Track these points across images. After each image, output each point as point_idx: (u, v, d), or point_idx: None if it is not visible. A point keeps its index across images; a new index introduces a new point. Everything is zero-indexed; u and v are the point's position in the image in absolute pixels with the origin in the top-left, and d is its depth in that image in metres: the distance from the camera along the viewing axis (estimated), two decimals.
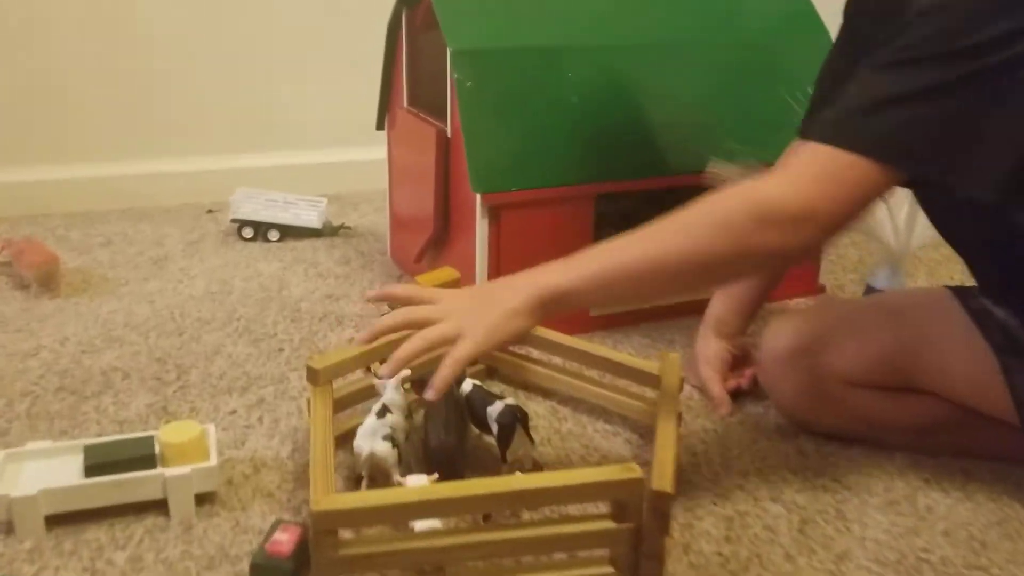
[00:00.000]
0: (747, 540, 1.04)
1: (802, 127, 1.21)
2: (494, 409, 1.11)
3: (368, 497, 0.89)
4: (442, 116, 1.47)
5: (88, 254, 1.79)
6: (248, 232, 1.88)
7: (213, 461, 1.06)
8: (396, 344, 0.99)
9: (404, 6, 1.57)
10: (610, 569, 0.96)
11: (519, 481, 0.91)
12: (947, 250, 1.21)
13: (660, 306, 1.55)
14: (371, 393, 1.18)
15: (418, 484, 0.99)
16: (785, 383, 1.20)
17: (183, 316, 1.53)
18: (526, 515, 1.04)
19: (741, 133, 1.50)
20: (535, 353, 1.32)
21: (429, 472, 1.06)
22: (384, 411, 1.08)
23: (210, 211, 2.05)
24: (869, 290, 1.51)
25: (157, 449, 1.06)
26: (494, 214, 1.39)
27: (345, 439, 1.17)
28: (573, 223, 1.44)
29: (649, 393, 1.22)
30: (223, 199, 1.98)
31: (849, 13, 1.16)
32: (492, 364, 1.34)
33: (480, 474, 1.11)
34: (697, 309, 1.57)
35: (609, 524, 0.94)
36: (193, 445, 1.06)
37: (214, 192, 2.07)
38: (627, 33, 1.52)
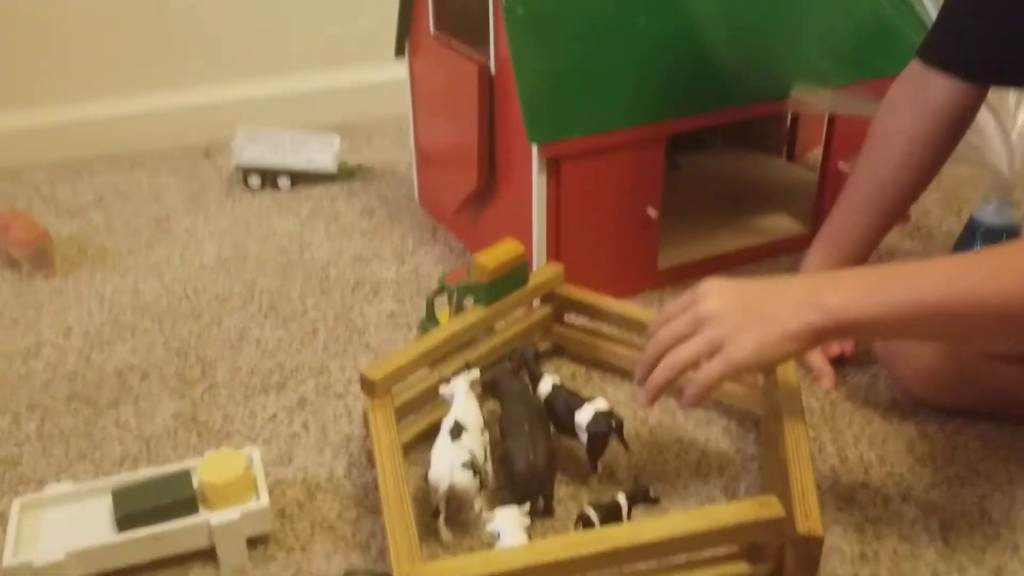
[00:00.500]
0: (885, 557, 0.90)
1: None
2: (583, 416, 0.96)
3: (465, 566, 0.74)
4: (481, 46, 1.26)
5: (80, 216, 1.60)
6: (255, 181, 1.69)
7: (264, 501, 0.90)
8: (451, 339, 0.91)
9: None
10: None
11: (643, 531, 0.77)
12: None
13: (735, 250, 1.39)
14: (434, 394, 1.02)
15: (509, 520, 0.85)
16: (911, 360, 1.05)
17: (197, 293, 1.36)
18: None
19: (829, 50, 1.30)
20: (606, 328, 1.16)
21: (515, 497, 0.92)
22: (458, 430, 0.92)
23: (207, 154, 1.85)
24: (974, 226, 1.34)
25: (195, 483, 0.91)
26: (553, 167, 1.20)
27: (409, 449, 1.02)
28: (643, 172, 1.25)
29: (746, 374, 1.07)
30: (219, 136, 1.78)
31: None
32: (559, 341, 1.18)
33: (565, 481, 0.97)
34: (784, 250, 1.42)
35: (743, 567, 0.80)
36: (238, 483, 0.90)
37: (210, 128, 1.87)
38: None
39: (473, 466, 0.89)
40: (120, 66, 1.86)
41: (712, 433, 1.07)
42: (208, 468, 0.91)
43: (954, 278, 0.79)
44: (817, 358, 1.09)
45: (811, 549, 0.77)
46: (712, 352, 0.83)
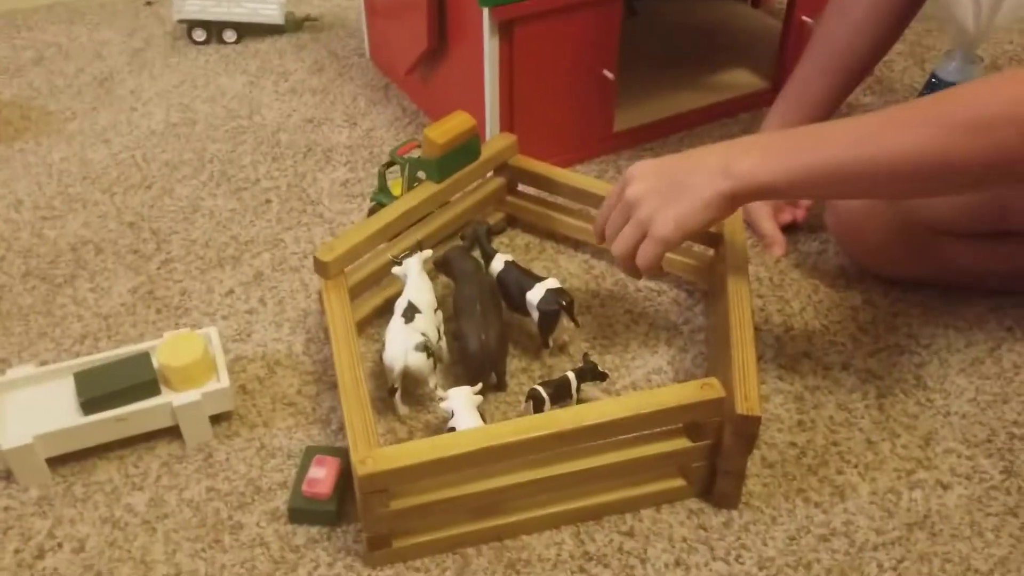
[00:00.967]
0: (822, 425, 0.95)
1: None
2: (534, 294, 0.98)
3: (418, 450, 0.77)
4: None
5: (20, 76, 1.54)
6: (200, 34, 1.63)
7: (224, 382, 0.93)
8: (404, 217, 0.97)
9: None
10: (681, 482, 0.87)
11: (588, 414, 0.80)
12: None
13: (693, 109, 1.38)
14: (388, 271, 1.03)
15: (462, 399, 0.88)
16: (862, 233, 1.06)
17: (147, 160, 1.34)
18: None
19: None
20: (561, 200, 1.16)
21: (468, 375, 0.95)
22: (412, 312, 0.94)
23: (149, 2, 1.77)
24: (934, 82, 1.33)
25: (156, 365, 0.93)
26: (505, 30, 1.17)
27: (365, 324, 1.04)
28: (599, 32, 1.22)
29: (695, 245, 1.09)
30: None
31: None
32: (513, 212, 1.19)
33: (517, 356, 1.00)
34: (743, 107, 1.41)
35: (684, 443, 0.84)
36: (198, 364, 0.92)
37: None
38: None
39: (426, 348, 0.91)
40: None
41: (661, 304, 1.09)
42: (167, 351, 0.92)
43: (858, 140, 0.81)
44: (768, 225, 1.10)
45: (749, 427, 0.81)
46: (644, 233, 0.87)
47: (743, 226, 1.02)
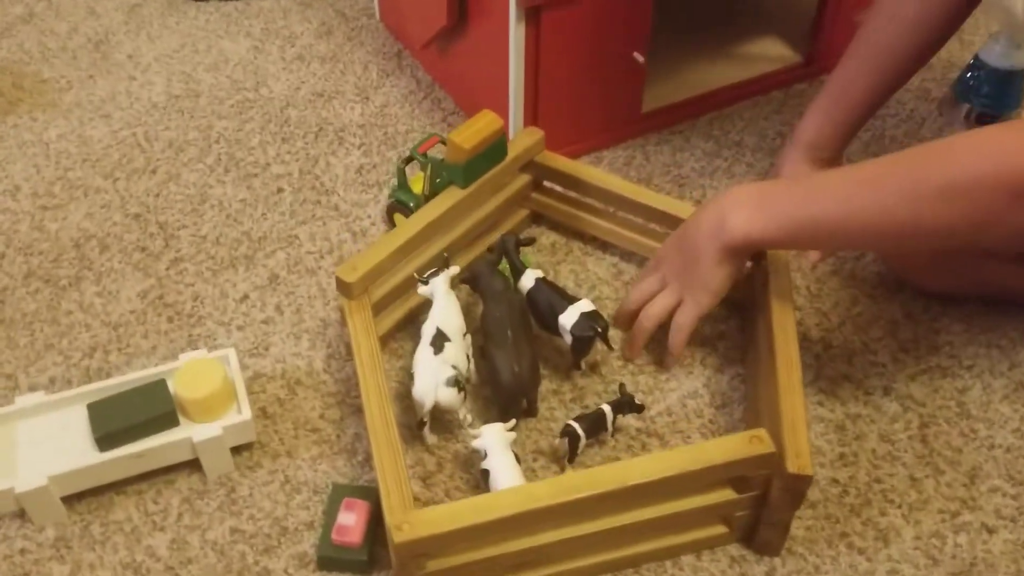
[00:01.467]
0: (864, 459, 0.92)
1: None
2: (567, 318, 0.93)
3: (458, 514, 0.74)
4: None
5: (10, 36, 1.45)
6: None
7: (246, 414, 0.89)
8: (428, 229, 0.97)
9: None
10: (723, 529, 0.85)
11: (632, 472, 0.76)
12: None
13: (724, 87, 1.31)
14: (411, 283, 0.98)
15: (495, 438, 0.85)
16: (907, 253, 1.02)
17: (149, 140, 1.27)
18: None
19: None
20: (590, 200, 1.10)
21: (498, 405, 0.91)
22: (441, 341, 0.89)
23: None
24: (976, 64, 1.26)
25: (172, 390, 0.89)
26: (532, 16, 1.09)
27: (387, 339, 1.00)
28: (631, 13, 1.14)
29: None
30: None
31: None
32: (538, 210, 1.13)
33: (547, 376, 0.96)
34: (776, 83, 1.34)
35: (729, 495, 0.81)
36: (218, 395, 0.88)
37: None
38: None
39: (457, 383, 0.87)
40: None
41: None
42: (185, 381, 0.88)
43: (846, 197, 0.83)
44: None
45: (800, 486, 0.78)
46: (677, 301, 0.94)
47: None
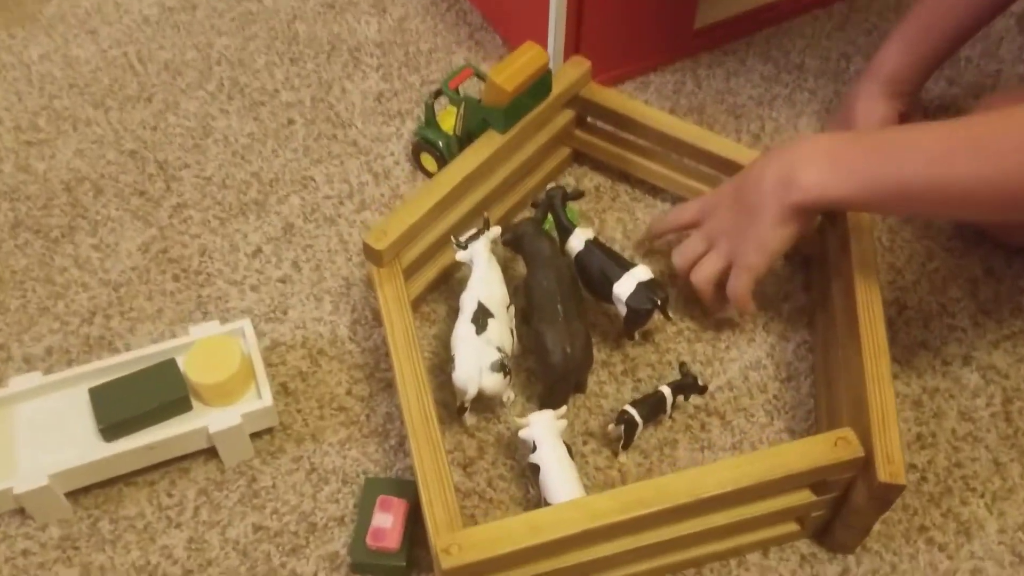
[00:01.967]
0: (944, 440, 0.84)
1: None
2: (623, 288, 0.84)
3: (512, 533, 0.66)
4: None
5: None
6: None
7: (267, 399, 0.80)
8: (464, 183, 0.87)
9: None
10: (794, 526, 0.77)
11: (705, 483, 0.68)
12: None
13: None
14: (444, 244, 0.88)
15: (545, 427, 0.76)
16: None
17: (143, 61, 1.13)
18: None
19: None
20: (639, 140, 0.99)
21: (544, 384, 0.83)
22: (483, 317, 0.80)
23: None
24: None
25: (182, 368, 0.80)
26: None
27: (418, 302, 0.90)
28: None
29: None
30: None
31: None
32: (582, 148, 1.02)
33: (597, 345, 0.87)
34: None
35: (807, 496, 0.73)
36: (235, 378, 0.79)
37: None
38: None
39: (503, 367, 0.78)
40: None
41: None
42: (198, 364, 0.79)
43: (936, 160, 0.73)
44: None
45: (891, 495, 0.70)
46: (729, 262, 0.84)
47: None
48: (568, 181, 1.02)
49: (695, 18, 1.12)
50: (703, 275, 0.85)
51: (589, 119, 1.01)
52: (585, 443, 0.83)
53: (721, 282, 0.85)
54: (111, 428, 0.77)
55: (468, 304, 0.81)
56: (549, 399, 0.83)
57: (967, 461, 0.83)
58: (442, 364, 0.87)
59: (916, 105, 1.02)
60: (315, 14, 1.19)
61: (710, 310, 0.89)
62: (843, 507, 0.74)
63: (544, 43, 1.04)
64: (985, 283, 0.95)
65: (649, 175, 0.99)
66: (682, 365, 0.83)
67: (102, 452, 0.77)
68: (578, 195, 0.90)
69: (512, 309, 0.84)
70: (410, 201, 0.85)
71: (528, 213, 0.96)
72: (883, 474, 0.69)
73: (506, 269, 0.89)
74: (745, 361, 0.89)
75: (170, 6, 1.20)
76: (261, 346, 0.87)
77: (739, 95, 1.10)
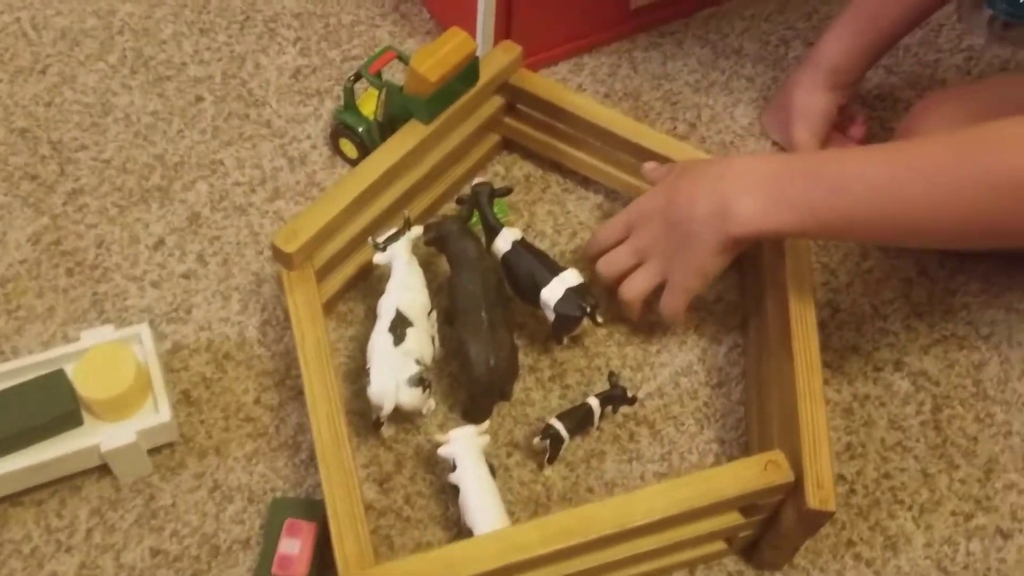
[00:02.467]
0: (873, 450, 0.83)
1: None
2: (551, 293, 0.79)
3: (427, 569, 0.62)
4: None
5: None
6: None
7: (165, 414, 0.74)
8: (384, 178, 0.82)
9: None
10: (721, 545, 0.75)
11: (633, 512, 0.65)
12: None
13: None
14: (361, 243, 0.83)
15: (466, 445, 0.72)
16: None
17: (37, 28, 1.04)
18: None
19: None
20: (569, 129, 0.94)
21: (467, 396, 0.79)
22: (402, 326, 0.75)
23: None
24: None
25: (72, 378, 0.74)
26: None
27: (333, 302, 0.85)
28: None
29: None
30: None
31: None
32: (511, 136, 0.96)
33: (523, 349, 0.83)
34: None
35: (735, 519, 0.71)
36: (129, 392, 0.73)
37: None
38: None
39: (422, 380, 0.74)
40: None
41: None
42: (88, 376, 0.73)
43: (883, 189, 0.69)
44: (804, 139, 0.96)
45: (820, 520, 0.68)
46: (662, 278, 0.80)
47: None
48: (497, 170, 0.97)
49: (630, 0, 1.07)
50: (635, 292, 0.81)
51: (519, 106, 0.95)
52: (509, 455, 0.80)
53: (649, 298, 0.82)
54: None
55: (386, 311, 0.76)
56: (472, 410, 0.79)
57: (896, 472, 0.82)
58: (359, 369, 0.82)
59: (854, 96, 0.99)
60: None
61: (633, 319, 0.85)
62: (771, 528, 0.72)
63: (473, 19, 0.98)
64: (919, 283, 0.93)
65: (581, 166, 0.95)
66: (611, 375, 0.80)
67: None
68: (506, 191, 0.85)
69: (434, 314, 0.80)
70: (324, 197, 0.79)
71: (454, 206, 0.91)
72: (813, 500, 0.66)
73: (429, 265, 0.85)
74: (676, 366, 0.86)
75: None
76: (161, 350, 0.81)
77: (676, 80, 1.05)
